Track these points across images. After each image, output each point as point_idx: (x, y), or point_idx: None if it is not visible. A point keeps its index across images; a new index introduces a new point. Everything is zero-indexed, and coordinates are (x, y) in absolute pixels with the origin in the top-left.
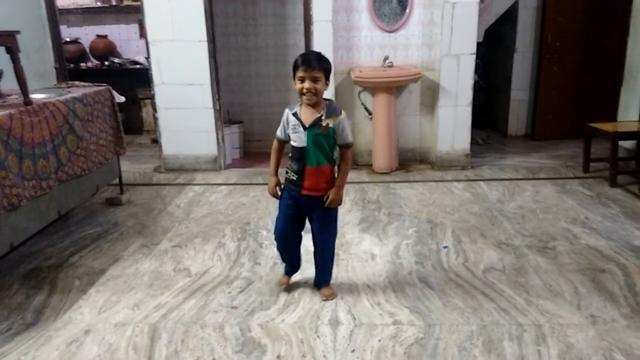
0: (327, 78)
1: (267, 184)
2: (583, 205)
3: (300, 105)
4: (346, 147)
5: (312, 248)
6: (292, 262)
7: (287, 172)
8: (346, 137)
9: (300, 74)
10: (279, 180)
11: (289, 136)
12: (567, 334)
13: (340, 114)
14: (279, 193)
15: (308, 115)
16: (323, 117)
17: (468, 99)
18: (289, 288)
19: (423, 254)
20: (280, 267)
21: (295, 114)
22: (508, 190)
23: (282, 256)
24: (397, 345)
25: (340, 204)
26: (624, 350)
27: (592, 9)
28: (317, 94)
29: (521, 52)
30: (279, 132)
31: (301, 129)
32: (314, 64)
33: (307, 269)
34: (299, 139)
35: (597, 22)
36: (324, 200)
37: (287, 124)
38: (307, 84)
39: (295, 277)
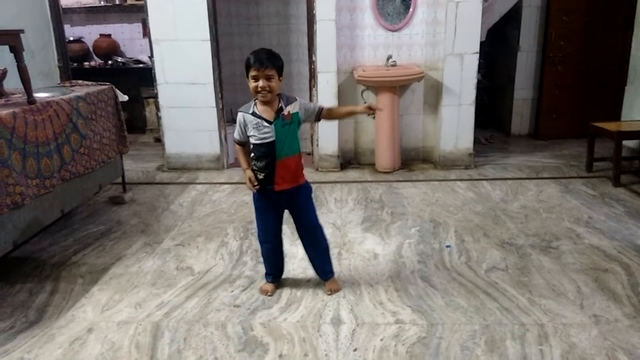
0: (280, 75)
1: None
2: (586, 204)
3: (255, 104)
4: (321, 111)
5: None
6: (278, 266)
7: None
8: (314, 106)
9: (253, 73)
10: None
11: (247, 138)
12: (570, 334)
13: (296, 98)
14: (256, 183)
15: (267, 111)
16: (283, 107)
17: (471, 98)
18: (277, 288)
19: (426, 253)
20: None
21: (253, 114)
22: (511, 189)
23: (269, 261)
24: (400, 344)
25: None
26: (627, 350)
27: (597, 8)
28: (271, 91)
29: (525, 52)
30: (238, 136)
31: (265, 124)
32: (266, 63)
33: (309, 268)
34: (265, 134)
35: (602, 21)
36: (369, 111)
37: (246, 125)
38: (261, 83)
39: (298, 276)
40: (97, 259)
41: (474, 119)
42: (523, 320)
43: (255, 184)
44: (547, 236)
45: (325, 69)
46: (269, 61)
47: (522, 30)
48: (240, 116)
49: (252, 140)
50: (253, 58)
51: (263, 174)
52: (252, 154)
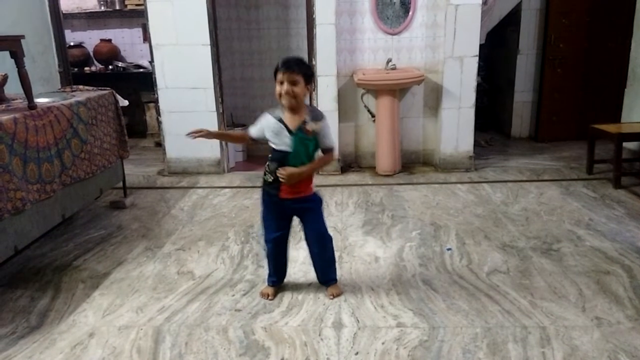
0: (308, 82)
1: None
2: (587, 207)
3: (283, 111)
4: (329, 150)
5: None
6: (281, 269)
7: (265, 173)
8: (329, 141)
9: (279, 76)
10: (208, 133)
11: (261, 138)
12: (572, 336)
13: (322, 118)
14: (196, 131)
15: (293, 121)
16: (307, 121)
17: (471, 101)
18: (278, 292)
19: (427, 256)
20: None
21: (280, 120)
22: (512, 192)
23: (272, 264)
24: (401, 347)
25: (289, 182)
26: (629, 353)
27: (596, 11)
28: (295, 97)
29: (525, 54)
30: (253, 132)
31: (286, 132)
32: (293, 68)
33: (310, 271)
34: (282, 143)
35: (601, 23)
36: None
37: (267, 127)
38: (285, 86)
39: (299, 280)
40: (98, 263)
41: (474, 122)
42: (525, 323)
43: (195, 132)
44: (548, 238)
45: (325, 72)
46: (296, 66)
47: (521, 32)
48: (265, 117)
49: (270, 144)
50: (281, 62)
51: (271, 178)
52: (270, 155)
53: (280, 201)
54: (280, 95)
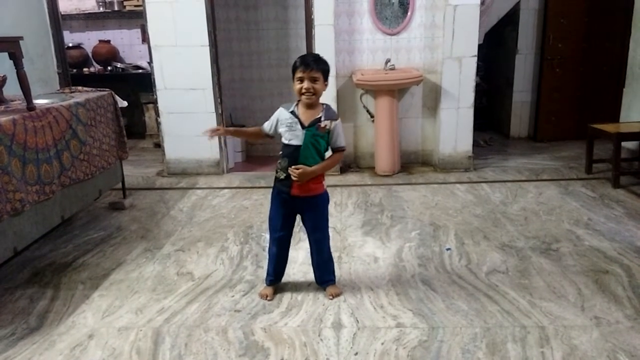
0: (326, 79)
1: (269, 187)
2: (586, 206)
3: (297, 105)
4: (339, 150)
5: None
6: (280, 269)
7: (276, 172)
8: (341, 141)
9: (299, 74)
10: (225, 131)
11: (275, 133)
12: (571, 336)
13: (337, 118)
14: (213, 129)
15: (307, 116)
16: (322, 118)
17: (470, 101)
18: (277, 292)
19: (426, 256)
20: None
21: (293, 112)
22: (511, 192)
23: (274, 263)
24: (401, 348)
25: (301, 180)
26: (628, 352)
27: (594, 10)
28: (315, 93)
29: (523, 54)
30: (267, 126)
31: (299, 127)
32: (312, 65)
33: (309, 272)
34: (295, 137)
35: (599, 23)
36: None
37: (281, 121)
38: (306, 84)
39: (299, 280)
40: (97, 265)
41: (473, 122)
42: (524, 323)
43: (210, 131)
44: (547, 238)
45: None
46: (315, 63)
47: (520, 32)
48: (279, 111)
49: (282, 139)
50: (299, 60)
51: (284, 175)
52: (280, 152)
53: (290, 199)
54: (300, 92)
